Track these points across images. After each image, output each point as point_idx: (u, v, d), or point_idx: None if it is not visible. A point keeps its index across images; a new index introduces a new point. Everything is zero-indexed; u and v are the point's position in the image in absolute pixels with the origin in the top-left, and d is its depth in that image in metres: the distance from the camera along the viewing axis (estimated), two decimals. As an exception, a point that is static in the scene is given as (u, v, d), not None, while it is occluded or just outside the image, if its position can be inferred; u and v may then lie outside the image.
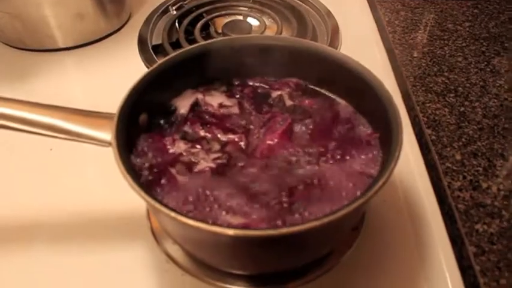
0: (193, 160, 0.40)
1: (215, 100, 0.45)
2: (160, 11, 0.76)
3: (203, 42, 0.45)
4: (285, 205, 0.35)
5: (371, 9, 0.78)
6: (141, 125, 0.41)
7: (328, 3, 0.77)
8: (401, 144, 0.34)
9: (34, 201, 0.49)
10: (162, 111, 0.44)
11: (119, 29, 0.74)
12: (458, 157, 0.51)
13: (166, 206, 0.32)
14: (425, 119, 0.55)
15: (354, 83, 0.42)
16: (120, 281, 0.42)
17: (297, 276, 0.41)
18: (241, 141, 0.41)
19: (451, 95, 0.58)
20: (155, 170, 0.39)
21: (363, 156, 0.39)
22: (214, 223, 0.34)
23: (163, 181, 0.38)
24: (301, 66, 0.46)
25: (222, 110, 0.45)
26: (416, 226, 0.46)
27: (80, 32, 0.70)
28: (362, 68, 0.41)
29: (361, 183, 0.37)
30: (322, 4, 0.77)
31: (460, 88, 0.59)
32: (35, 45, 0.70)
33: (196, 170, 0.39)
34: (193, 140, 0.42)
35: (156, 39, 0.70)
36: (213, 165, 0.39)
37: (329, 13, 0.75)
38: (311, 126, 0.42)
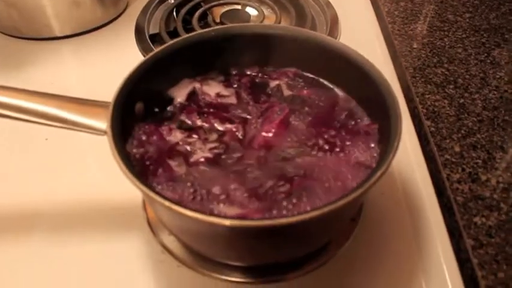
0: (189, 150, 0.39)
1: (212, 90, 0.45)
2: (157, 0, 0.75)
3: (200, 31, 0.45)
4: (282, 195, 0.35)
5: (370, 0, 0.77)
6: (137, 114, 0.41)
7: (328, -7, 0.76)
8: (400, 135, 0.34)
9: (29, 191, 0.49)
10: (158, 101, 0.43)
11: (116, 18, 0.73)
12: (457, 149, 0.50)
13: (160, 195, 0.31)
14: (425, 111, 0.54)
15: (353, 73, 0.41)
16: (115, 271, 0.42)
17: (295, 267, 0.41)
18: (238, 131, 0.41)
19: (451, 86, 0.58)
20: (151, 159, 0.38)
21: (361, 147, 0.39)
22: (209, 213, 0.34)
23: (158, 170, 0.37)
24: (299, 55, 0.45)
25: (220, 100, 0.44)
26: (414, 218, 0.45)
27: (76, 21, 0.69)
28: (361, 57, 0.41)
29: (359, 174, 0.36)
30: (321, -6, 0.76)
31: (459, 80, 0.59)
32: (31, 34, 0.69)
33: (192, 159, 0.38)
34: (190, 130, 0.41)
35: (153, 29, 0.70)
36: (209, 155, 0.39)
37: (328, 3, 0.74)
38: (309, 117, 0.41)
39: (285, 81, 0.45)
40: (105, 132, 0.36)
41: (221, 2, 0.74)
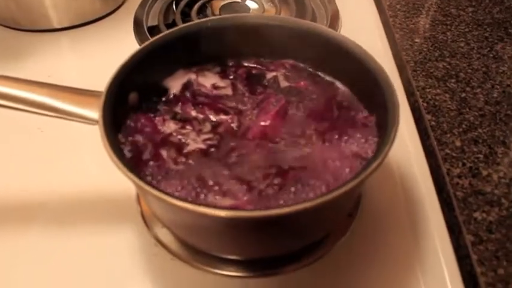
0: (183, 140, 0.39)
1: (208, 81, 0.44)
2: (157, -8, 0.74)
3: (196, 21, 0.44)
4: (276, 187, 0.34)
5: (372, -6, 0.76)
6: (130, 104, 0.40)
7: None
8: (397, 125, 0.33)
9: (22, 183, 0.48)
10: (153, 91, 0.43)
11: (114, 10, 0.73)
12: (458, 143, 0.49)
13: (151, 185, 0.31)
14: (425, 105, 0.53)
15: (351, 64, 0.40)
16: (108, 264, 0.41)
17: (291, 261, 0.40)
18: (233, 122, 0.40)
19: (452, 80, 0.57)
20: (143, 149, 0.37)
21: (358, 139, 0.38)
22: (201, 203, 0.33)
23: (151, 161, 0.37)
24: (297, 47, 0.44)
25: (215, 91, 0.43)
26: (413, 213, 0.45)
27: (75, 13, 0.69)
28: (359, 48, 0.40)
29: (356, 166, 0.36)
30: (322, -13, 0.75)
31: (461, 74, 0.58)
32: (29, 25, 0.69)
33: (185, 150, 0.38)
34: (184, 120, 0.40)
35: (151, 21, 0.69)
36: (203, 146, 0.38)
37: (329, -3, 0.73)
38: (305, 108, 0.41)
39: (282, 72, 0.44)
40: (97, 122, 0.35)
41: (221, -6, 0.73)
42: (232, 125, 0.40)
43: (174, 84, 0.43)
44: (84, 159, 0.51)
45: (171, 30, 0.43)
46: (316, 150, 0.37)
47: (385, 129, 0.34)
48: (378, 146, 0.35)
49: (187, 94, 0.43)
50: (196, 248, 0.40)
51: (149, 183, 0.31)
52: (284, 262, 0.40)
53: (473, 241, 0.41)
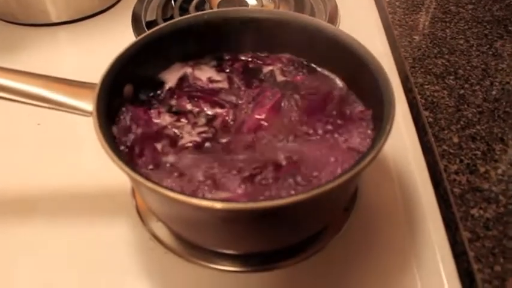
0: (177, 133, 0.38)
1: (204, 74, 0.44)
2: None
3: (193, 14, 0.44)
4: (271, 180, 0.34)
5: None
6: (125, 97, 0.40)
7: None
8: (393, 119, 0.33)
9: (19, 177, 0.48)
10: (149, 84, 0.42)
11: (113, 5, 0.73)
12: (455, 140, 0.49)
13: (145, 177, 0.30)
14: (423, 101, 0.53)
15: (348, 58, 0.40)
16: (102, 258, 0.41)
17: (286, 256, 0.40)
18: (228, 115, 0.40)
19: (451, 77, 0.57)
20: (138, 142, 0.37)
21: (354, 133, 0.37)
22: (195, 196, 0.33)
23: (145, 153, 0.36)
24: (294, 41, 0.44)
25: (211, 85, 0.43)
26: (409, 209, 0.44)
27: (73, 7, 0.68)
28: (355, 42, 0.40)
29: (351, 160, 0.35)
30: (321, -17, 0.75)
31: (460, 71, 0.57)
32: (28, 20, 0.68)
33: (180, 143, 0.38)
34: (180, 114, 0.40)
35: (150, 16, 0.69)
36: (198, 139, 0.38)
37: (328, -8, 0.73)
38: (301, 102, 0.40)
39: (279, 66, 0.44)
40: (91, 113, 0.35)
41: (220, -10, 0.73)
42: (227, 118, 0.40)
43: (170, 78, 0.43)
44: (80, 153, 0.50)
45: (167, 23, 0.43)
46: (312, 143, 0.37)
47: (380, 123, 0.34)
48: (373, 140, 0.35)
49: (183, 87, 0.42)
50: (191, 242, 0.40)
51: (143, 175, 0.30)
52: (280, 257, 0.40)
53: (470, 238, 0.41)
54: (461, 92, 0.55)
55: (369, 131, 0.38)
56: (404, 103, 0.55)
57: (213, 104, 0.40)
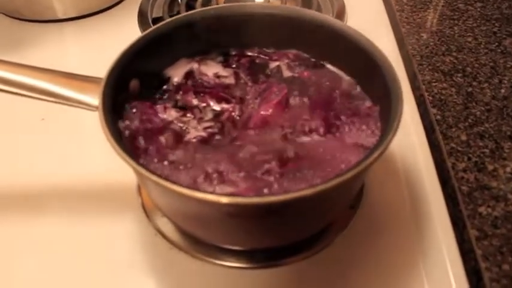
0: (183, 128, 0.38)
1: (210, 70, 0.44)
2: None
3: (200, 9, 0.44)
4: (277, 175, 0.34)
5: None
6: (131, 91, 0.40)
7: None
8: (400, 115, 0.32)
9: (24, 172, 0.48)
10: (155, 79, 0.42)
11: (119, 2, 0.73)
12: (463, 138, 0.48)
13: (150, 170, 0.30)
14: (431, 98, 0.53)
15: (355, 54, 0.40)
16: (108, 253, 0.41)
17: (291, 253, 0.40)
18: (234, 110, 0.39)
19: (459, 75, 0.56)
20: (144, 136, 0.37)
21: (361, 130, 0.37)
22: (201, 190, 0.32)
23: (151, 148, 0.36)
24: (301, 36, 0.44)
25: (217, 80, 0.43)
26: (416, 207, 0.44)
27: (79, 4, 0.69)
28: (363, 38, 0.39)
29: (358, 156, 0.35)
30: (329, -19, 0.74)
31: (468, 68, 0.57)
32: (34, 16, 0.68)
33: (186, 138, 0.37)
34: (186, 109, 0.40)
35: (156, 13, 0.69)
36: (204, 134, 0.38)
37: (335, -10, 0.72)
38: (308, 98, 0.40)
39: (285, 62, 0.44)
40: (96, 108, 0.35)
41: (226, -13, 0.73)
42: (233, 113, 0.39)
43: (176, 73, 0.43)
44: (85, 148, 0.50)
45: (173, 18, 0.43)
46: (319, 139, 0.37)
47: (388, 119, 0.33)
48: (380, 136, 0.35)
49: (189, 83, 0.42)
50: (197, 238, 0.40)
51: (148, 169, 0.30)
52: (285, 254, 0.40)
53: (478, 236, 0.41)
54: (470, 89, 0.54)
55: (376, 128, 0.37)
56: (412, 100, 0.54)
57: (219, 99, 0.40)
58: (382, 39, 0.63)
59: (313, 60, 0.44)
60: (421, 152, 0.49)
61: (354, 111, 0.39)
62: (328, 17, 0.43)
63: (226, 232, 0.36)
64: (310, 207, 0.33)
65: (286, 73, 0.43)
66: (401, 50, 0.62)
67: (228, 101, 0.40)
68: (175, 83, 0.42)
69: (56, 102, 0.37)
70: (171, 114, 0.39)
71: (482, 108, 0.52)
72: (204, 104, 0.40)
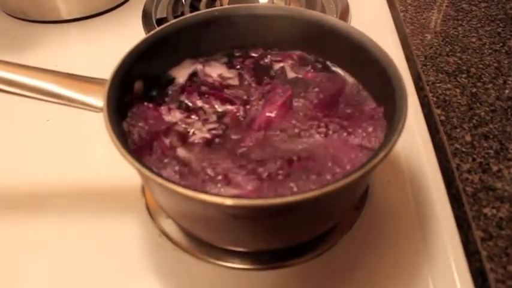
0: (188, 130, 0.38)
1: (215, 71, 0.44)
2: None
3: (204, 10, 0.44)
4: (282, 177, 0.34)
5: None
6: (136, 93, 0.40)
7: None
8: (405, 116, 0.32)
9: (29, 173, 0.48)
10: (159, 81, 0.42)
11: (123, 3, 0.73)
12: (468, 139, 0.48)
13: (154, 172, 0.30)
14: (435, 99, 0.53)
15: (359, 55, 0.40)
16: (111, 254, 0.41)
17: (295, 255, 0.40)
18: (239, 112, 0.39)
19: (463, 75, 0.56)
20: (148, 138, 0.37)
21: (366, 131, 0.37)
22: (205, 192, 0.32)
23: (155, 150, 0.36)
24: (305, 38, 0.44)
25: (222, 81, 0.43)
26: (421, 208, 0.44)
27: (84, 4, 0.69)
28: (368, 39, 0.39)
29: (363, 157, 0.35)
30: (332, -18, 0.74)
31: (472, 69, 0.57)
32: (38, 17, 0.69)
33: (190, 140, 0.37)
34: (190, 110, 0.40)
35: (160, 14, 0.69)
36: (208, 135, 0.38)
37: (339, -10, 0.72)
38: (312, 99, 0.40)
39: (289, 63, 0.44)
40: (101, 109, 0.35)
41: (230, -13, 0.73)
42: (238, 115, 0.39)
43: (181, 74, 0.43)
44: (90, 150, 0.50)
45: (178, 19, 0.43)
46: (323, 141, 0.37)
47: (392, 120, 0.33)
48: (385, 137, 0.35)
49: (194, 84, 0.42)
50: (201, 239, 0.40)
51: (153, 171, 0.30)
52: (290, 255, 0.40)
53: (483, 237, 0.40)
54: (474, 90, 0.54)
55: (380, 129, 0.37)
56: (416, 101, 0.54)
57: (224, 101, 0.40)
58: (386, 40, 0.63)
59: (317, 61, 0.44)
60: (425, 152, 0.49)
61: (359, 113, 0.39)
62: (332, 18, 0.43)
63: (230, 234, 0.36)
64: (315, 208, 0.33)
65: (291, 74, 0.43)
66: (405, 50, 0.62)
67: (232, 103, 0.40)
68: (179, 84, 0.42)
69: (60, 103, 0.37)
70: (176, 115, 0.39)
71: (487, 109, 0.52)
72: (208, 106, 0.40)
